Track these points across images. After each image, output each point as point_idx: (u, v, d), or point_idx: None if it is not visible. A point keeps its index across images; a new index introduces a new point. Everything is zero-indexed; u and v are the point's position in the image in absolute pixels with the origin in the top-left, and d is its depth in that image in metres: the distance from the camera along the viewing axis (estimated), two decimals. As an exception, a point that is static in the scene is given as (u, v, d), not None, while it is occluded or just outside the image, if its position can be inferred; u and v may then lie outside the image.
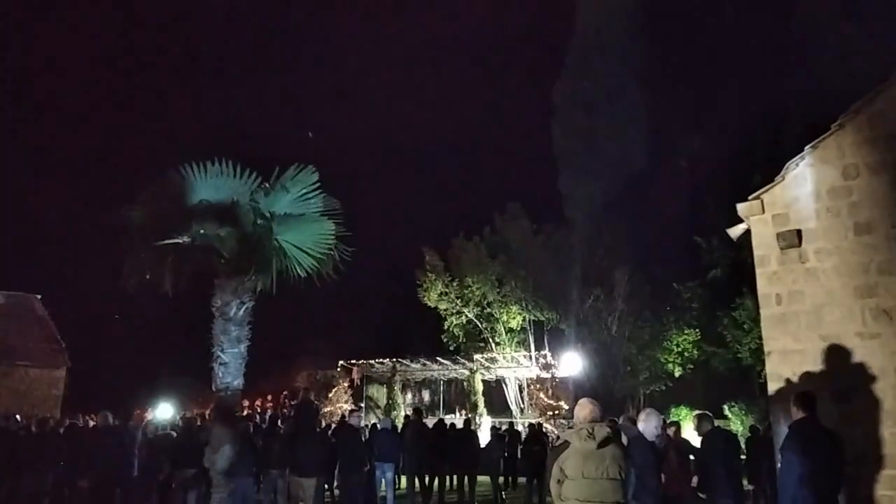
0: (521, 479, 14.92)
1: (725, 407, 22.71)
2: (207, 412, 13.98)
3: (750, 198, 8.19)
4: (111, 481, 9.43)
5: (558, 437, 8.43)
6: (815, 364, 7.28)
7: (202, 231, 7.19)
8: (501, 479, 15.20)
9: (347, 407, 26.55)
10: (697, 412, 8.13)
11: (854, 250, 7.30)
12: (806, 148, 7.95)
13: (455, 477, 13.98)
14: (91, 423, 13.94)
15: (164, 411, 22.94)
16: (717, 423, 8.44)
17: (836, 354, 7.13)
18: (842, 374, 7.04)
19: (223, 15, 63.87)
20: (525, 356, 27.67)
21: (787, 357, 7.57)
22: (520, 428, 24.12)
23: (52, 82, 61.19)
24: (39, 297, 29.66)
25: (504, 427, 18.26)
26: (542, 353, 26.96)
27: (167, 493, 10.96)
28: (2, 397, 23.79)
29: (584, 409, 5.05)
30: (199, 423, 11.95)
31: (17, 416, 13.01)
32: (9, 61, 60.41)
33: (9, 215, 54.11)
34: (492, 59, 57.79)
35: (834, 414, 6.54)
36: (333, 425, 15.20)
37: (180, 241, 7.14)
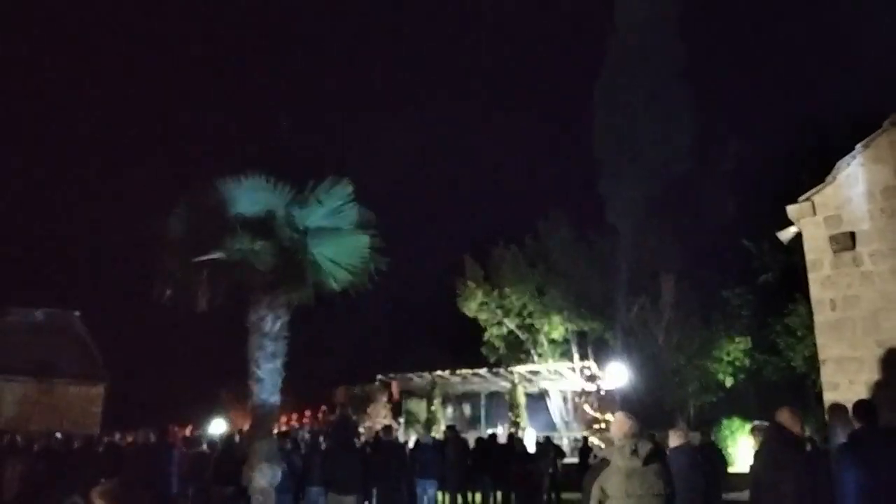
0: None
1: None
2: (245, 429, 14.03)
3: (800, 199, 7.93)
4: (150, 498, 9.45)
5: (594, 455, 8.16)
6: (873, 372, 6.98)
7: (238, 246, 7.16)
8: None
9: (386, 422, 26.50)
10: (755, 423, 7.78)
11: (913, 252, 6.96)
12: (857, 146, 7.68)
13: (500, 493, 13.76)
14: (129, 440, 14.11)
15: (216, 426, 23.23)
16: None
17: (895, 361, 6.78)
18: (903, 383, 6.70)
19: (259, 29, 65.18)
20: (569, 368, 27.25)
21: (843, 365, 7.27)
22: (565, 441, 23.77)
23: (88, 97, 63.11)
24: (78, 314, 30.16)
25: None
26: (587, 364, 26.52)
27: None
28: (42, 414, 24.20)
29: (623, 424, 4.86)
30: (237, 439, 11.98)
31: (58, 434, 13.23)
32: (43, 76, 62.51)
33: (47, 233, 55.75)
34: (532, 65, 57.73)
35: (894, 425, 6.18)
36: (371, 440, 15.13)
37: (216, 256, 7.12)
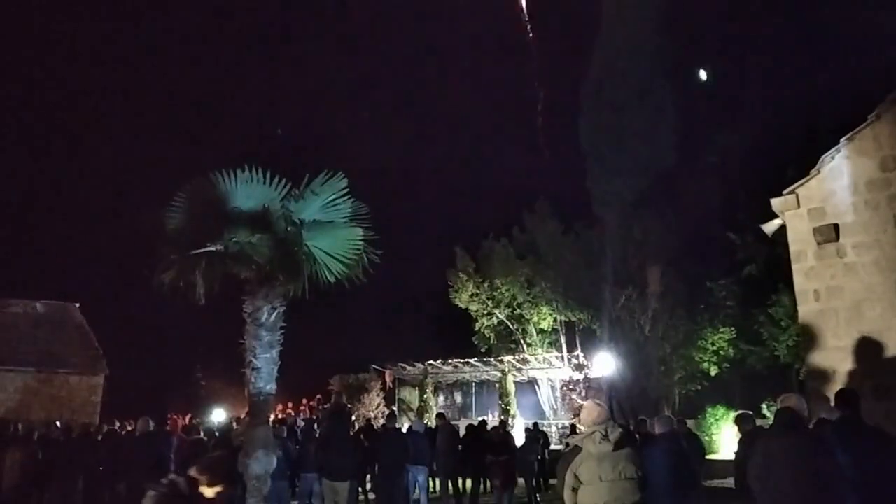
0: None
1: (764, 406, 22.32)
2: (241, 417, 14.14)
3: (785, 192, 8.07)
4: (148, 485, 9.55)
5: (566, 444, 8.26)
6: (856, 360, 7.13)
7: (235, 239, 7.25)
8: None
9: (379, 410, 26.71)
10: (739, 412, 7.95)
11: (895, 244, 7.13)
12: (842, 140, 7.81)
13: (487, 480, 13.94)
14: (128, 428, 14.19)
15: (218, 416, 23.39)
16: (758, 422, 8.21)
17: (878, 350, 6.97)
18: (884, 371, 6.89)
19: (254, 24, 64.66)
20: (557, 357, 27.52)
21: (827, 354, 7.42)
22: (553, 429, 24.04)
23: (87, 93, 62.54)
24: (78, 305, 30.33)
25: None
26: (575, 353, 26.78)
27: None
28: (43, 404, 24.43)
29: (592, 412, 4.98)
30: (234, 427, 12.08)
31: (58, 423, 13.33)
32: (41, 71, 61.89)
33: (46, 226, 55.42)
34: (519, 57, 57.68)
35: (877, 412, 6.37)
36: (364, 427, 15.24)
37: (213, 248, 7.20)
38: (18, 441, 10.81)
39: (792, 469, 4.88)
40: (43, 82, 63.45)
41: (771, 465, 5.04)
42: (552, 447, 18.70)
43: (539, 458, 15.74)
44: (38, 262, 45.59)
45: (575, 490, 4.73)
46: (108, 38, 64.45)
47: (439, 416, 14.43)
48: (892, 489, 5.12)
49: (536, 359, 27.99)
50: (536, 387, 29.32)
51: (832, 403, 5.87)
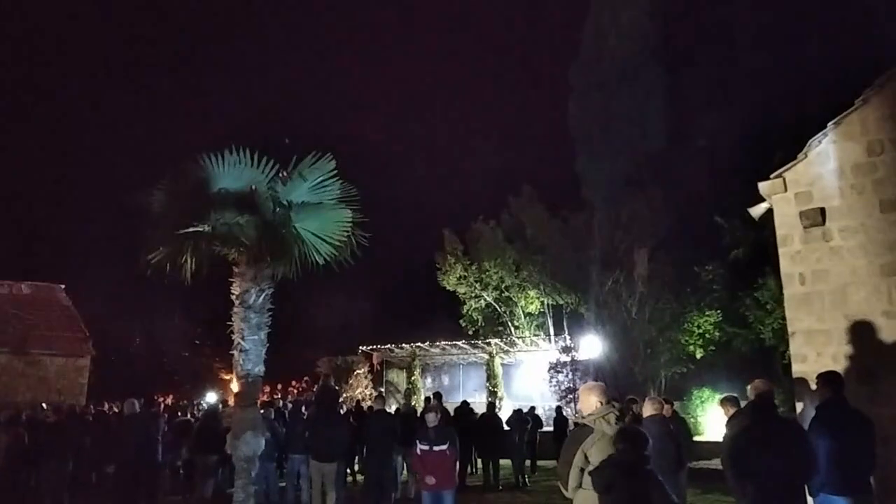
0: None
1: (748, 388, 22.53)
2: (229, 399, 14.14)
3: (772, 176, 8.07)
4: (136, 466, 9.56)
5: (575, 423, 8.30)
6: (841, 344, 7.19)
7: (221, 220, 7.19)
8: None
9: (368, 392, 26.77)
10: (724, 395, 8.00)
11: (880, 228, 7.18)
12: (829, 124, 7.81)
13: (480, 460, 14.07)
14: (115, 410, 14.17)
15: (211, 397, 23.43)
16: (743, 405, 8.26)
17: (862, 334, 7.03)
18: (868, 354, 6.95)
19: (242, 3, 63.90)
20: (544, 340, 27.66)
21: (812, 337, 7.48)
22: (540, 411, 24.19)
23: (73, 73, 61.72)
24: (63, 286, 30.15)
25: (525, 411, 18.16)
26: (562, 336, 26.93)
27: (191, 479, 11.14)
28: (29, 386, 24.37)
29: (594, 393, 4.90)
30: (220, 409, 12.09)
31: (44, 405, 13.27)
32: (27, 52, 60.97)
33: (32, 207, 54.89)
34: (506, 41, 57.42)
35: (860, 394, 6.44)
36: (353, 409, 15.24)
37: (200, 229, 7.14)
38: (5, 423, 10.77)
39: (770, 452, 5.02)
40: (29, 65, 62.53)
41: (750, 449, 5.17)
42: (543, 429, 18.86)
43: (528, 440, 15.89)
44: (23, 243, 45.19)
45: (583, 470, 4.65)
46: (96, 15, 63.50)
47: (436, 395, 14.14)
48: (868, 464, 5.24)
49: (524, 341, 28.13)
50: (524, 369, 29.49)
51: (815, 386, 5.95)
